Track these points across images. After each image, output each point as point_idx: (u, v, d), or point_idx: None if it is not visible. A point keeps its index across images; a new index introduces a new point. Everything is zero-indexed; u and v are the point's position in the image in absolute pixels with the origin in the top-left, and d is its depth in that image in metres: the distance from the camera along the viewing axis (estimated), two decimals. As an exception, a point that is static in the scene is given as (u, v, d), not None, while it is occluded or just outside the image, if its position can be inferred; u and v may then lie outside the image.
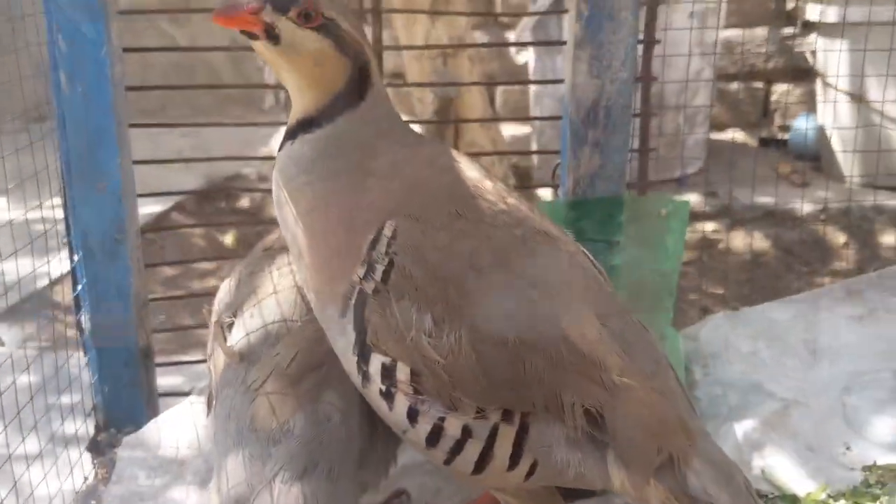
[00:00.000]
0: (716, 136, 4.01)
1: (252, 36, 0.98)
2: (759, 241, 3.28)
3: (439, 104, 2.49)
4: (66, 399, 1.49)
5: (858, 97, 3.36)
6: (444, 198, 0.98)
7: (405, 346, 0.92)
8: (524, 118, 3.95)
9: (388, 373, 0.93)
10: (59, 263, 1.54)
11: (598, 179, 1.37)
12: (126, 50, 1.38)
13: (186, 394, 1.65)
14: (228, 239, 3.10)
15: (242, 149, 3.70)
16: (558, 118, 1.42)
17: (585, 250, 1.06)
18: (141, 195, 1.46)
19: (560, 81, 1.40)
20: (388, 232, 0.94)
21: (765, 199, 3.34)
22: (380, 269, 0.93)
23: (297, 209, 1.00)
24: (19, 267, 1.82)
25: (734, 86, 4.02)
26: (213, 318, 1.20)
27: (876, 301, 1.51)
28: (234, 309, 1.16)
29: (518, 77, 3.98)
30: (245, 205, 3.51)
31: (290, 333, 1.08)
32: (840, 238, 3.25)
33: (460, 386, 0.91)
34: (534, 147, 3.70)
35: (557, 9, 3.30)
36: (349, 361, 0.97)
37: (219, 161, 3.54)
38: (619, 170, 1.37)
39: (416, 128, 1.20)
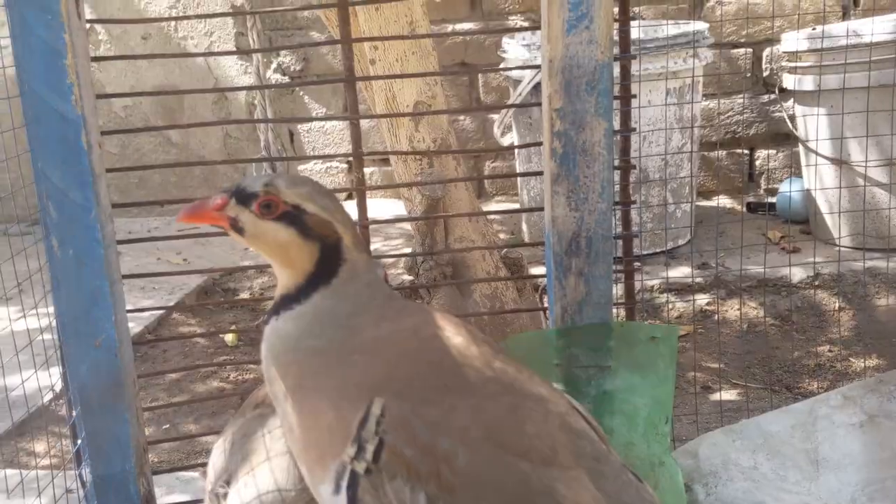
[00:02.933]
0: (703, 203, 4.06)
1: (222, 228, 1.02)
2: (754, 311, 3.30)
3: (427, 203, 2.53)
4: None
5: (840, 161, 3.42)
6: (432, 371, 1.00)
7: None
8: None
9: None
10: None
11: (586, 306, 1.39)
12: (105, 133, 1.41)
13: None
14: (229, 338, 3.12)
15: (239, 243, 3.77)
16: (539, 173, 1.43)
17: (578, 405, 1.07)
18: (126, 276, 1.45)
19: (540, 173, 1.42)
20: (376, 410, 0.96)
21: (757, 268, 3.37)
22: (370, 448, 0.95)
23: (285, 386, 1.02)
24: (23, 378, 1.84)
25: (718, 153, 4.09)
26: (208, 487, 1.21)
27: (875, 407, 1.52)
28: (228, 476, 1.17)
29: (505, 158, 4.05)
30: (245, 296, 3.54)
31: None
32: (834, 303, 3.27)
33: None
34: (524, 226, 3.74)
35: (538, 93, 3.38)
36: None
37: (217, 257, 3.62)
38: (604, 296, 1.40)
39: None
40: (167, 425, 2.61)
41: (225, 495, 1.15)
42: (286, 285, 1.04)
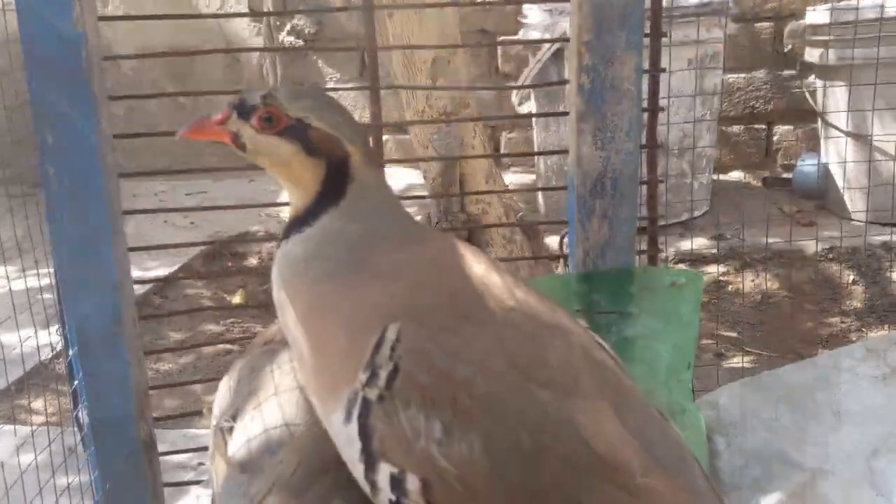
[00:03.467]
0: (720, 178, 3.99)
1: (225, 143, 0.97)
2: (769, 282, 3.25)
3: (443, 165, 2.47)
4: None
5: (860, 135, 3.35)
6: (451, 298, 0.95)
7: (414, 456, 0.87)
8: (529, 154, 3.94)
9: (397, 483, 0.89)
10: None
11: (609, 250, 1.34)
12: (113, 98, 1.35)
13: (194, 483, 1.60)
14: (237, 298, 3.08)
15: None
16: (565, 151, 1.38)
17: (601, 340, 1.02)
18: (132, 249, 1.40)
19: (565, 152, 1.37)
20: (391, 335, 0.90)
21: (772, 240, 3.31)
22: (384, 374, 0.89)
23: (295, 311, 0.97)
24: (21, 338, 1.80)
25: (736, 128, 4.01)
26: (213, 422, 1.15)
27: (898, 361, 1.47)
28: (234, 411, 1.12)
29: (521, 126, 3.99)
30: (253, 262, 3.49)
31: (294, 439, 1.03)
32: (849, 276, 3.21)
33: (474, 496, 0.87)
34: (540, 198, 3.68)
35: (557, 60, 3.31)
36: (356, 469, 0.92)
37: (226, 219, 3.56)
38: (628, 240, 1.34)
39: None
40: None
41: (230, 430, 1.10)
42: (296, 206, 0.98)
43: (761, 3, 3.85)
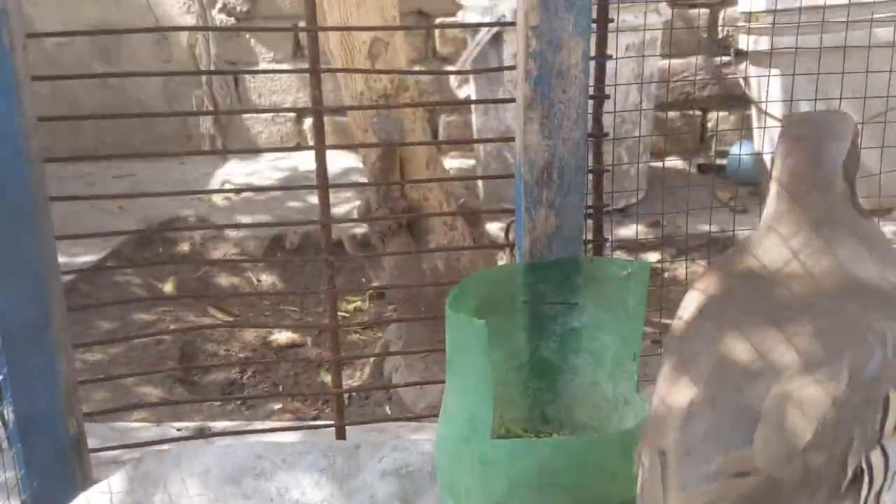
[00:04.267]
0: (654, 164, 4.04)
1: None
2: (702, 269, 3.30)
3: (383, 149, 2.43)
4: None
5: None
6: None
7: None
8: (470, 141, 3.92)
9: None
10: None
11: (556, 240, 1.33)
12: (36, 78, 1.27)
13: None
14: (168, 286, 2.98)
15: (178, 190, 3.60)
16: (510, 139, 1.36)
17: None
18: (59, 238, 1.33)
19: (512, 140, 1.35)
20: None
21: (706, 227, 3.36)
22: None
23: None
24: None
25: (671, 114, 4.06)
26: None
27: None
28: None
29: (460, 109, 3.96)
30: (185, 248, 3.39)
31: None
32: (780, 262, 3.29)
33: None
34: (479, 183, 3.67)
35: (496, 44, 3.29)
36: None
37: (156, 202, 3.44)
38: (575, 230, 1.33)
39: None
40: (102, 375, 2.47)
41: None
42: None
43: (696, -10, 3.90)
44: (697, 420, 0.98)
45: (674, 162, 4.13)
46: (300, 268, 3.23)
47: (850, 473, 0.95)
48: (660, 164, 4.09)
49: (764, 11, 3.39)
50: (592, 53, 1.37)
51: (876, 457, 0.97)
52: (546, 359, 1.33)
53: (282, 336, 2.79)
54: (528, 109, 1.29)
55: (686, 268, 3.22)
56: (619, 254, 3.35)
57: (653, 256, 3.35)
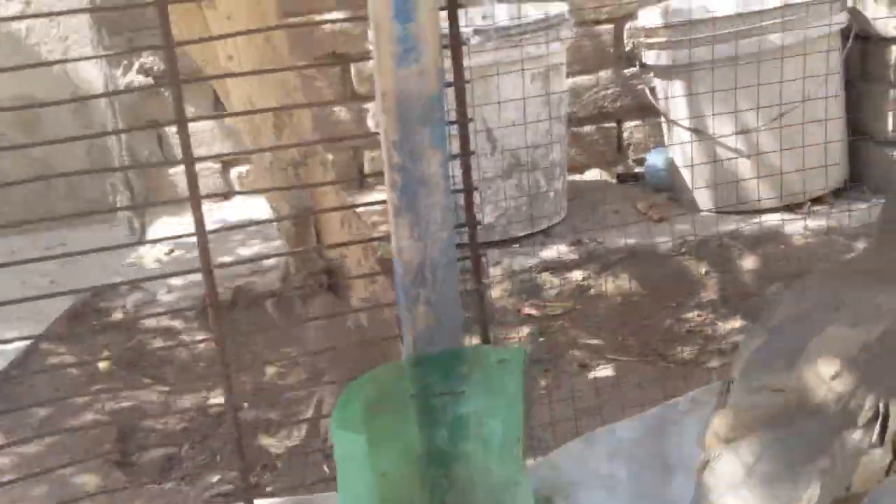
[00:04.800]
0: (576, 178, 4.15)
1: None
2: (628, 283, 3.41)
3: (297, 213, 2.49)
4: None
5: (698, 131, 3.55)
6: None
7: None
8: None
9: None
10: None
11: (436, 334, 1.40)
12: None
13: None
14: (103, 364, 3.00)
15: (109, 256, 3.60)
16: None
17: None
18: None
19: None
20: None
21: (629, 240, 3.49)
22: None
23: None
24: None
25: (588, 128, 4.18)
26: None
27: (721, 409, 1.60)
28: None
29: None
30: (119, 317, 3.41)
31: None
32: (702, 268, 3.41)
33: None
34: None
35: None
36: None
37: (87, 274, 3.46)
38: (454, 322, 1.41)
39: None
40: (38, 469, 2.49)
41: None
42: None
43: (598, 7, 4.00)
44: (757, 355, 1.29)
45: (594, 173, 4.25)
46: (235, 324, 3.27)
47: (866, 409, 1.18)
48: (580, 176, 4.21)
49: (661, 26, 3.51)
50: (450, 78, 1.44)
51: (893, 406, 1.19)
52: (439, 448, 1.41)
53: (220, 401, 2.84)
54: (397, 217, 1.36)
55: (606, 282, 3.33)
56: (545, 276, 3.46)
57: (577, 274, 3.45)
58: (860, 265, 1.45)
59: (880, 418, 1.22)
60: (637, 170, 4.11)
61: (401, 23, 1.29)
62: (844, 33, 3.52)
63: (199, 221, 1.46)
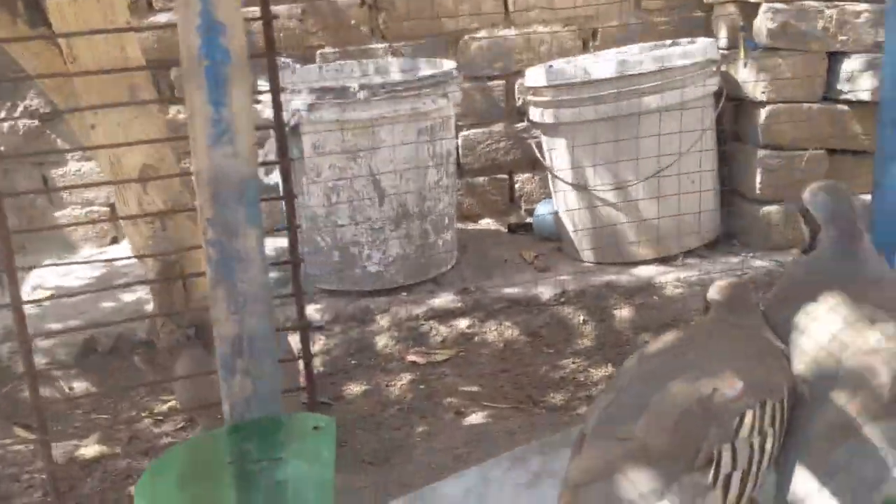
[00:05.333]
0: (469, 227, 4.27)
1: None
2: (511, 330, 3.52)
3: (161, 266, 2.52)
4: None
5: (579, 185, 3.71)
6: None
7: None
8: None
9: None
10: None
11: (253, 402, 1.46)
12: None
13: None
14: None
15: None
16: None
17: None
18: None
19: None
20: None
21: (513, 290, 3.60)
22: None
23: None
24: None
25: (481, 179, 4.30)
26: None
27: (539, 467, 1.69)
28: None
29: (269, 192, 4.05)
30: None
31: None
32: (580, 317, 3.54)
33: None
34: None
35: (296, 134, 3.43)
36: None
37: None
38: (271, 391, 1.47)
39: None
40: None
41: None
42: None
43: (489, 63, 4.15)
44: (609, 410, 1.48)
45: (487, 222, 4.37)
46: (115, 371, 3.26)
47: (701, 456, 1.38)
48: (472, 225, 4.33)
49: (545, 86, 3.67)
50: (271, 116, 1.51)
51: (727, 450, 1.40)
52: (257, 512, 1.46)
53: (90, 449, 2.82)
54: (214, 289, 1.42)
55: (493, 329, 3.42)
56: (432, 323, 3.54)
57: (463, 322, 3.54)
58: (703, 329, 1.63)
59: (714, 463, 1.39)
60: (528, 220, 4.25)
61: (214, 107, 1.36)
62: (717, 95, 3.74)
63: (15, 295, 1.49)
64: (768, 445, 1.43)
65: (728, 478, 1.39)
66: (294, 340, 3.45)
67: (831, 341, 1.50)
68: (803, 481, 1.46)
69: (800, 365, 1.52)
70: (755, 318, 1.62)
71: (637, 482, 1.35)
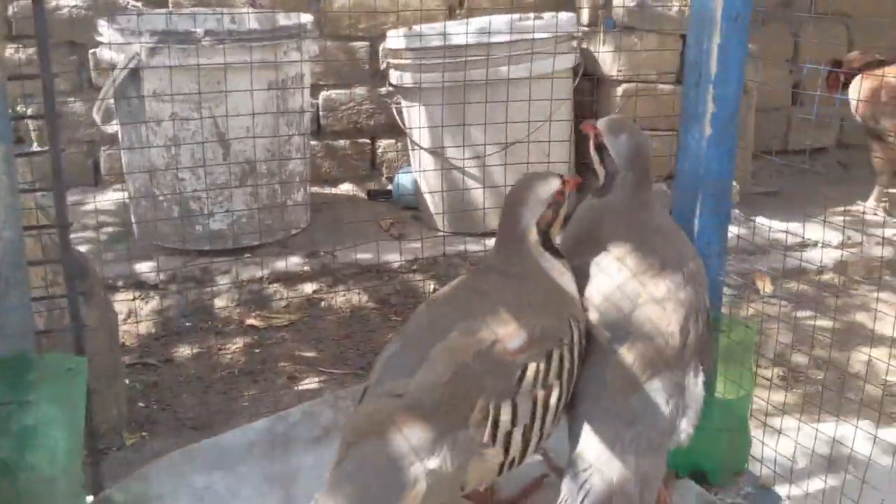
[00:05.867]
0: (326, 191, 4.15)
1: None
2: (359, 297, 3.44)
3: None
4: None
5: (436, 152, 3.65)
6: None
7: None
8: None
9: None
10: None
11: (1, 338, 1.31)
12: None
13: None
14: None
15: None
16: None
17: None
18: None
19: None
20: None
21: (362, 255, 3.51)
22: None
23: None
24: None
25: (342, 142, 4.19)
26: None
27: (330, 421, 1.61)
28: None
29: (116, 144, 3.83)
30: None
31: None
32: (430, 285, 3.50)
33: None
34: (133, 219, 3.55)
35: (135, 78, 3.22)
36: None
37: None
38: (21, 327, 1.33)
39: None
40: None
41: None
42: None
43: (355, 22, 4.04)
44: (390, 361, 1.39)
45: (347, 187, 4.27)
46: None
47: (476, 411, 1.31)
48: (333, 189, 4.22)
49: (405, 49, 3.59)
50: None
51: (506, 406, 1.34)
52: (3, 460, 1.32)
53: None
54: (-46, 211, 1.26)
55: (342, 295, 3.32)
56: (276, 286, 3.41)
57: (309, 286, 3.43)
58: (488, 270, 1.56)
59: (490, 420, 1.31)
60: (389, 187, 4.17)
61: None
62: (575, 71, 3.75)
63: None
64: (553, 399, 1.37)
65: (509, 435, 1.34)
66: (126, 299, 3.26)
67: (621, 291, 1.48)
68: (591, 435, 1.44)
69: (592, 314, 1.50)
70: (550, 260, 1.52)
71: (409, 439, 1.27)
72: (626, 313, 1.47)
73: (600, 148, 1.64)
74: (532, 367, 1.36)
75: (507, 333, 1.37)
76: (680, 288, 1.48)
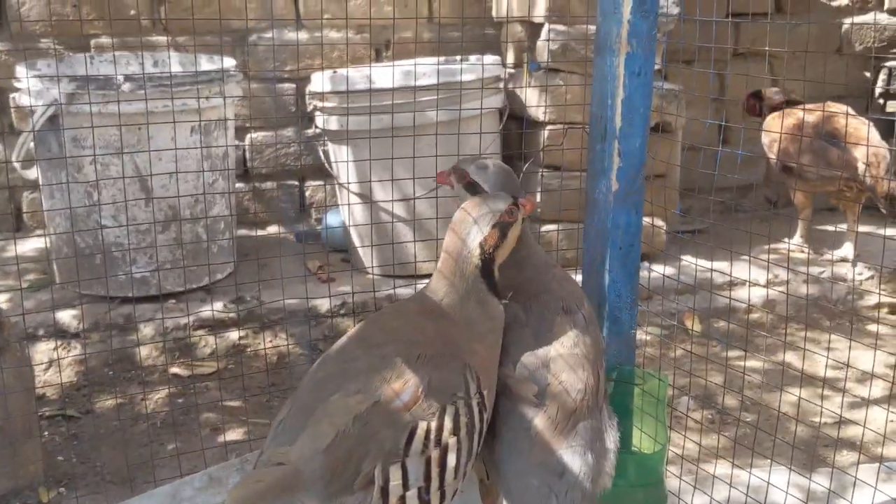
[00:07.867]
0: (255, 233, 4.11)
1: None
2: (287, 343, 3.39)
3: None
4: None
5: (363, 195, 3.65)
6: None
7: None
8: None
9: None
10: None
11: None
12: None
13: None
14: None
15: None
16: None
17: None
18: None
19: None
20: None
21: (290, 300, 3.47)
22: None
23: None
24: None
25: (270, 184, 4.16)
26: None
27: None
28: None
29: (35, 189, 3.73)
30: None
31: None
32: (358, 329, 3.47)
33: None
34: (55, 266, 3.44)
35: (53, 126, 3.15)
36: None
37: None
38: None
39: None
40: None
41: None
42: None
43: (281, 65, 4.03)
44: (280, 426, 1.35)
45: (275, 229, 4.23)
46: None
47: (360, 479, 1.26)
48: (260, 232, 4.17)
49: (330, 93, 3.60)
50: None
51: (395, 469, 1.28)
52: None
53: None
54: None
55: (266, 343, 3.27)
56: (201, 333, 3.34)
57: (235, 333, 3.38)
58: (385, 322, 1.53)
59: (378, 482, 1.28)
60: (318, 229, 4.14)
61: None
62: (501, 112, 3.80)
63: None
64: (451, 458, 1.32)
65: (402, 499, 1.29)
66: (48, 349, 3.16)
67: (535, 342, 1.49)
68: (527, 493, 1.44)
69: (510, 368, 1.50)
70: (484, 297, 1.47)
71: None
72: (541, 365, 1.48)
73: (471, 186, 1.64)
74: (422, 426, 1.31)
75: (393, 390, 1.32)
76: (585, 332, 1.51)
